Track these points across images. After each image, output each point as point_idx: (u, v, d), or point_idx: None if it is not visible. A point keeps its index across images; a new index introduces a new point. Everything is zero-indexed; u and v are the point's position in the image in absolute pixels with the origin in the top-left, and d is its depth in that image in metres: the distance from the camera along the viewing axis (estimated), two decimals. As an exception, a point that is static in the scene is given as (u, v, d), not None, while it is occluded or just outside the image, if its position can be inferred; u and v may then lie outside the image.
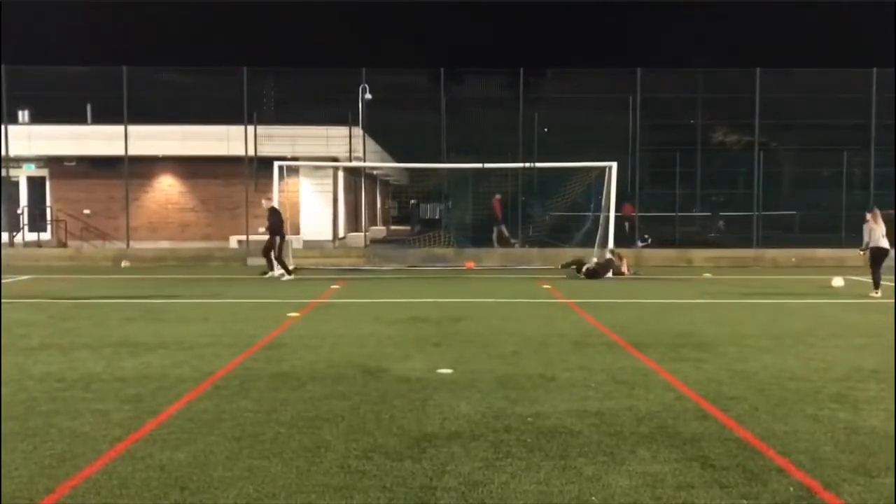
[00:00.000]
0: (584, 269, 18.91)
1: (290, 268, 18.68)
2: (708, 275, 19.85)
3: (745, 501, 4.29)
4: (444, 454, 5.05)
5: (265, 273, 18.94)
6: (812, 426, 5.77)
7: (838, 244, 23.46)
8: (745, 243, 24.64)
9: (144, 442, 5.33)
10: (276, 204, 19.40)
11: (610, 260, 19.22)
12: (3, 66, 24.49)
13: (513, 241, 25.00)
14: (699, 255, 23.49)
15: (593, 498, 4.32)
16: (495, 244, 24.73)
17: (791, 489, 4.47)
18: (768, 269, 22.44)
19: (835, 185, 26.14)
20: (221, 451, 5.12)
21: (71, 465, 4.82)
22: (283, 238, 18.55)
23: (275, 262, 18.57)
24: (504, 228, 25.27)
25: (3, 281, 15.44)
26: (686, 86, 26.74)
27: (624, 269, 19.49)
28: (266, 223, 19.05)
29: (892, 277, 16.07)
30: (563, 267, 20.03)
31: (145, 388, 6.92)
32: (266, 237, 19.01)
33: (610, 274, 18.74)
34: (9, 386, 7.01)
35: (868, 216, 15.28)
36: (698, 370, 7.77)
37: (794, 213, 27.42)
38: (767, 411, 6.19)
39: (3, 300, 13.34)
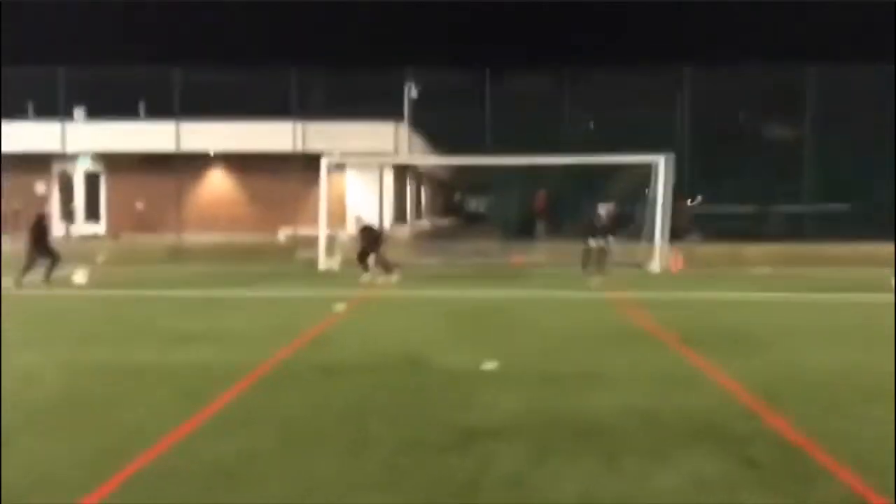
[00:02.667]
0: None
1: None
2: (760, 270, 19.50)
3: (791, 501, 4.22)
4: (489, 449, 5.06)
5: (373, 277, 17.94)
6: (864, 427, 5.64)
7: (891, 238, 22.82)
8: (799, 238, 24.12)
9: (193, 434, 5.44)
10: (365, 222, 18.46)
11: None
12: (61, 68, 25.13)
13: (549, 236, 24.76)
14: (752, 250, 23.04)
15: (638, 496, 4.29)
16: (538, 238, 24.58)
17: (841, 492, 4.39)
18: (822, 264, 21.93)
19: (890, 178, 25.45)
20: (268, 443, 5.20)
21: (123, 455, 4.93)
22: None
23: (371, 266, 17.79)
24: (545, 225, 25.10)
25: (59, 273, 15.82)
26: (735, 82, 26.28)
27: (673, 264, 19.24)
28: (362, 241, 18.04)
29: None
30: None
31: (195, 380, 7.05)
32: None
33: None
34: (63, 375, 7.21)
35: None
36: (748, 367, 7.64)
37: (845, 206, 26.80)
38: (818, 411, 6.07)
39: (55, 292, 13.72)
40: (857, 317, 11.44)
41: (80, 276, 15.73)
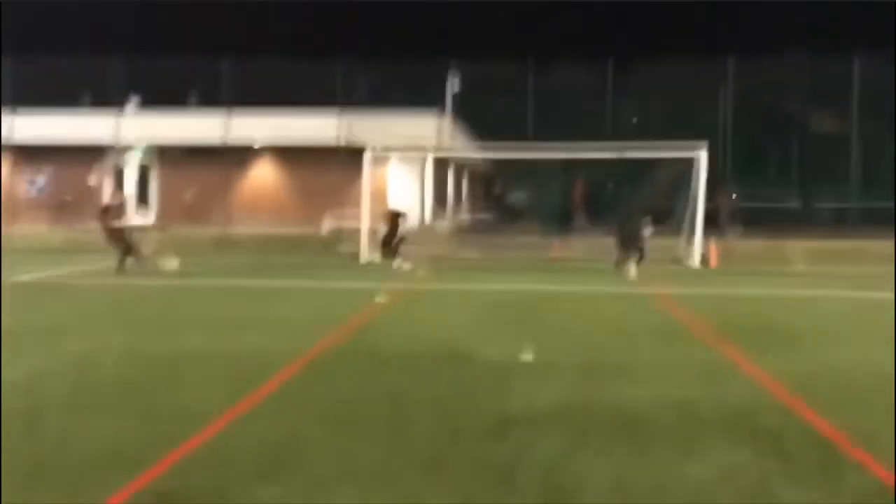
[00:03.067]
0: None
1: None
2: (801, 266, 19.35)
3: (822, 494, 4.35)
4: (526, 437, 5.25)
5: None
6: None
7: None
8: (842, 234, 23.83)
9: (244, 417, 5.72)
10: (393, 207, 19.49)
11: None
12: (114, 58, 25.80)
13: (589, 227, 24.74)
14: (793, 245, 22.82)
15: (669, 483, 4.45)
16: (577, 231, 24.57)
17: (871, 484, 4.50)
18: (865, 261, 21.64)
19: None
20: (314, 427, 5.45)
21: (177, 435, 5.21)
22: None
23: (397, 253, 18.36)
24: (583, 217, 25.09)
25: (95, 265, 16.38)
26: (780, 73, 26.00)
27: (712, 260, 19.20)
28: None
29: None
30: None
31: (244, 366, 7.36)
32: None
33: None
34: (119, 361, 7.57)
35: None
36: (782, 362, 7.72)
37: (891, 204, 26.35)
38: (852, 405, 6.16)
39: (108, 280, 14.20)
40: (892, 315, 11.36)
41: (170, 263, 16.31)
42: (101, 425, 5.45)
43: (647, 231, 18.10)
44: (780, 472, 4.68)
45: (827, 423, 5.67)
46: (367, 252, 20.15)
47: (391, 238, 18.30)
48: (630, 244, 17.58)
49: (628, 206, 19.65)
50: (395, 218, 18.70)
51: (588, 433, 5.37)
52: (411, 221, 19.21)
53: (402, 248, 18.23)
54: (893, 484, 4.48)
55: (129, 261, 16.01)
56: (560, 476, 4.55)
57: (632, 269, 16.75)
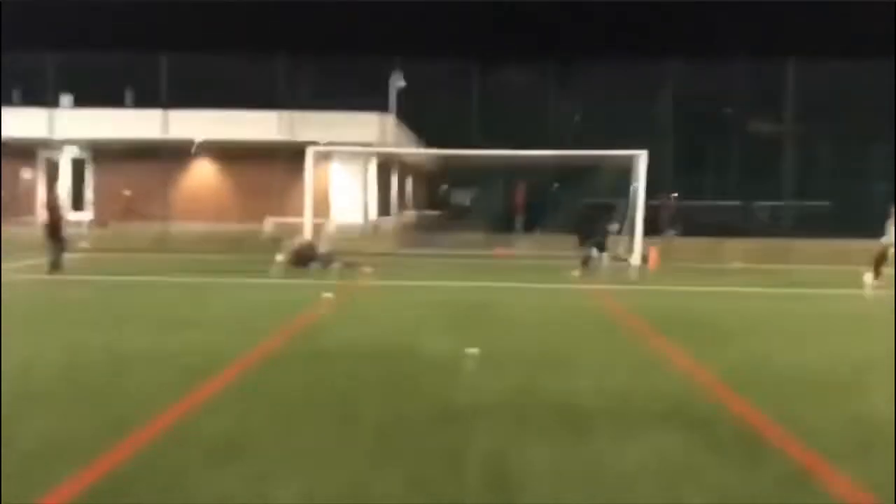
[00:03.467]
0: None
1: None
2: (737, 265, 19.98)
3: (746, 475, 4.61)
4: (469, 426, 5.43)
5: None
6: (819, 409, 6.06)
7: (870, 236, 23.35)
8: (777, 234, 24.63)
9: (194, 409, 5.79)
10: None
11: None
12: (47, 54, 25.27)
13: (531, 229, 25.13)
14: (730, 245, 23.53)
15: (605, 466, 4.67)
16: (518, 231, 24.90)
17: (791, 465, 4.79)
18: (799, 260, 22.44)
19: (868, 176, 26.05)
20: (264, 418, 5.56)
21: (129, 426, 5.27)
22: None
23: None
24: (524, 217, 25.47)
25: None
26: (720, 76, 26.73)
27: (652, 259, 19.69)
28: None
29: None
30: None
31: (191, 361, 7.38)
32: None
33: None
34: (67, 355, 7.54)
35: (891, 210, 15.07)
36: (716, 355, 8.07)
37: (825, 203, 27.36)
38: (778, 395, 6.49)
39: (54, 277, 13.98)
40: (823, 311, 11.90)
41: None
42: (49, 419, 5.45)
43: (613, 228, 18.69)
44: (707, 454, 4.95)
45: (753, 410, 5.98)
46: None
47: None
48: (591, 242, 18.03)
49: (589, 207, 20.17)
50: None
51: (530, 422, 5.57)
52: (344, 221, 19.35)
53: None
54: (810, 464, 4.78)
55: (64, 257, 15.77)
56: (502, 461, 4.73)
57: (576, 270, 17.06)
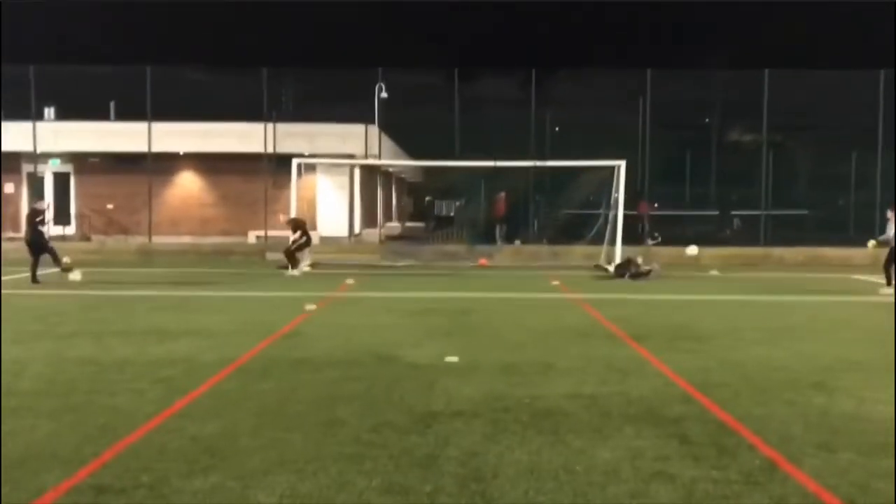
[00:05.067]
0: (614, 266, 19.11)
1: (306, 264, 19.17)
2: (714, 272, 20.26)
3: (714, 472, 4.79)
4: (447, 429, 5.59)
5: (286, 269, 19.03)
6: (787, 410, 6.26)
7: (846, 243, 23.78)
8: (755, 242, 25.00)
9: (176, 417, 5.90)
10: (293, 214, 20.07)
11: (629, 259, 19.13)
12: (30, 67, 25.29)
13: (510, 240, 25.34)
14: (708, 253, 23.84)
15: (577, 467, 4.84)
16: (497, 242, 25.11)
17: (757, 461, 4.97)
18: (776, 267, 22.79)
19: (844, 185, 26.51)
20: (246, 424, 5.69)
21: (113, 434, 5.39)
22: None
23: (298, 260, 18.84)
24: (504, 227, 25.68)
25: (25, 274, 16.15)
26: (697, 86, 27.14)
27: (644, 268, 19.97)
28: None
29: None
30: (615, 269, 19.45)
31: (174, 371, 7.50)
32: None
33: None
34: (49, 367, 7.63)
35: (889, 213, 15.26)
36: (690, 360, 8.27)
37: (804, 212, 27.80)
38: (749, 397, 6.69)
39: (35, 291, 14.03)
40: (797, 316, 12.13)
41: (76, 275, 16.40)
42: (34, 427, 5.56)
43: None
44: (678, 453, 5.12)
45: (725, 412, 6.17)
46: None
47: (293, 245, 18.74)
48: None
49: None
50: (299, 225, 19.07)
51: (506, 424, 5.73)
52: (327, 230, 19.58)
53: (300, 255, 18.71)
54: (778, 461, 4.97)
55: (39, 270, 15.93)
56: (478, 463, 4.89)
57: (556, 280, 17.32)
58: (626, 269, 18.36)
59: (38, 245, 16.10)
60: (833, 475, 4.73)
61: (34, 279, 15.70)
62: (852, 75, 25.31)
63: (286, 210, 21.14)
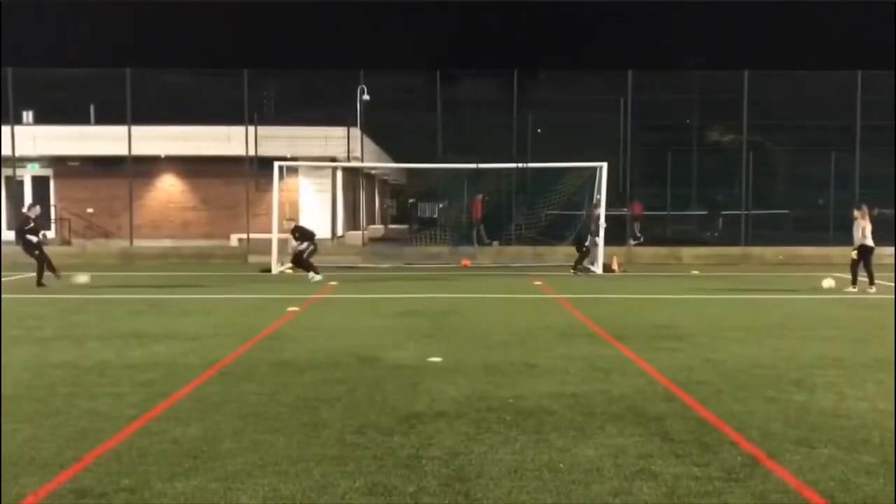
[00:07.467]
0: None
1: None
2: (695, 272, 20.40)
3: (696, 468, 4.82)
4: (430, 430, 5.59)
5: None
6: (768, 407, 6.31)
7: (825, 242, 24.01)
8: (735, 241, 25.19)
9: (158, 420, 5.87)
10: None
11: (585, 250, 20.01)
12: (9, 69, 25.04)
13: (488, 241, 25.36)
14: (689, 252, 24.02)
15: (561, 465, 4.85)
16: (475, 244, 25.11)
17: (739, 458, 5.01)
18: (756, 266, 22.97)
19: (823, 184, 26.74)
20: (229, 427, 5.66)
21: (93, 438, 5.35)
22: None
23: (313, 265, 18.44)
24: (482, 229, 25.71)
25: (12, 277, 16.01)
26: (678, 87, 27.30)
27: (615, 266, 20.14)
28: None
29: (893, 275, 16.60)
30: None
31: (156, 374, 7.46)
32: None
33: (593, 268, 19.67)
34: (28, 372, 7.56)
35: (856, 213, 15.42)
36: (671, 358, 8.31)
37: (783, 211, 28.03)
38: (729, 394, 6.73)
39: (14, 295, 13.90)
40: (777, 314, 12.22)
41: (83, 278, 16.43)
42: (14, 431, 5.51)
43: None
44: (660, 450, 5.15)
45: (706, 409, 6.21)
46: (277, 264, 20.21)
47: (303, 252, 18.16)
48: (584, 248, 19.95)
49: (585, 216, 21.08)
50: (304, 233, 18.58)
51: (489, 425, 5.74)
52: (318, 233, 19.39)
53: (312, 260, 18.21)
54: (759, 457, 5.01)
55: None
56: (461, 462, 4.89)
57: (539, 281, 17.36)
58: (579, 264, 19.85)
59: (31, 251, 16.04)
60: (813, 471, 4.78)
61: (39, 282, 15.92)
62: (830, 75, 25.58)
63: (289, 215, 20.99)
